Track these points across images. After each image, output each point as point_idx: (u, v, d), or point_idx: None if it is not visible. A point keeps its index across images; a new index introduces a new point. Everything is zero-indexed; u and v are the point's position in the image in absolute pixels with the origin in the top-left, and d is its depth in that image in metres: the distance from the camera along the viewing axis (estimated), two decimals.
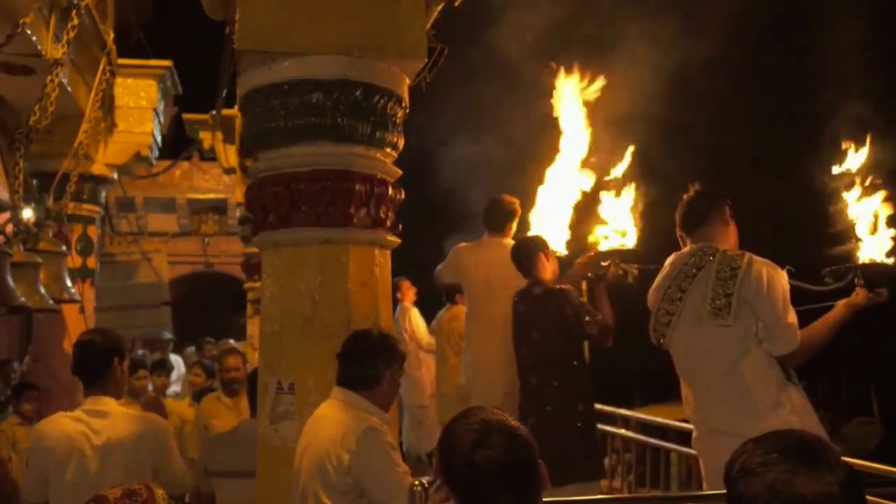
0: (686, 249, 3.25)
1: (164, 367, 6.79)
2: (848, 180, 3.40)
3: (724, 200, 3.31)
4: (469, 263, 5.04)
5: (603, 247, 4.23)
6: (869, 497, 3.24)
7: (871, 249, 3.31)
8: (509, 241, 4.94)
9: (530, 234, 4.67)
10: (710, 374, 3.09)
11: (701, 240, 3.23)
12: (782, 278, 3.04)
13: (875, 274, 3.19)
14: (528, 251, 4.37)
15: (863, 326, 3.35)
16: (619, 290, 4.18)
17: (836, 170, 3.45)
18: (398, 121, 3.15)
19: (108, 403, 3.15)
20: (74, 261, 6.20)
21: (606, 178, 4.32)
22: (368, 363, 2.75)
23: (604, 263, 4.16)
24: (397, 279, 7.19)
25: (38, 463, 3.15)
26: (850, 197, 3.39)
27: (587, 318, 4.10)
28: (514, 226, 5.09)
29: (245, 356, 5.96)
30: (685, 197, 3.35)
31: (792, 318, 3.03)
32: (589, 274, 4.24)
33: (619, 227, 4.22)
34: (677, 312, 3.17)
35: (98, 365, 3.16)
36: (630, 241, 4.17)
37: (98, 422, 3.09)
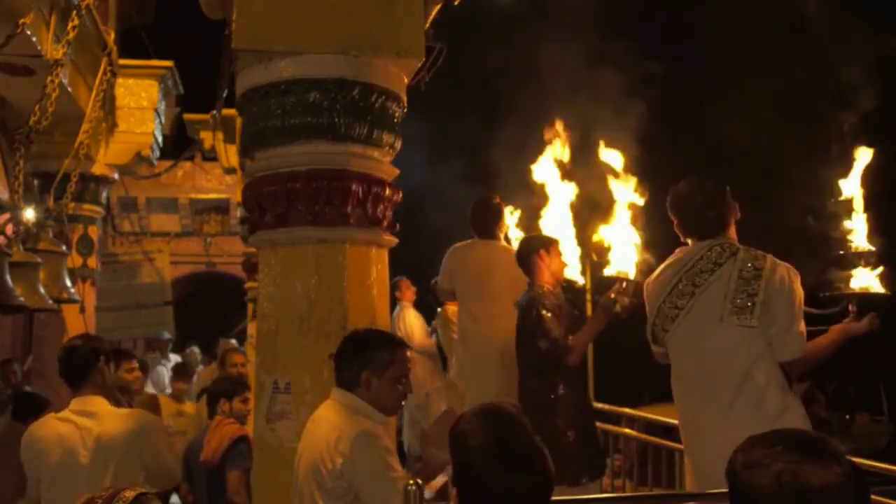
0: (703, 243, 3.11)
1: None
2: (847, 206, 3.40)
3: (730, 197, 3.17)
4: (460, 262, 5.06)
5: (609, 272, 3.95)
6: (878, 497, 3.22)
7: (865, 277, 3.31)
8: (502, 244, 4.95)
9: (533, 234, 4.54)
10: (724, 375, 3.00)
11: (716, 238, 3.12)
12: (800, 284, 3.01)
13: (868, 303, 3.24)
14: (524, 255, 4.24)
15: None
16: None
17: (840, 191, 3.44)
18: (396, 120, 3.14)
19: (96, 403, 3.16)
20: (75, 261, 6.20)
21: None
22: (345, 365, 2.69)
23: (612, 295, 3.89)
24: (397, 278, 7.18)
25: (30, 465, 3.15)
26: (849, 223, 3.39)
27: (539, 332, 3.88)
28: (504, 225, 5.06)
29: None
30: (693, 202, 3.15)
31: (802, 325, 3.00)
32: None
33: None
34: (686, 308, 3.07)
35: (83, 366, 3.18)
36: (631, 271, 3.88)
37: (87, 421, 3.10)
